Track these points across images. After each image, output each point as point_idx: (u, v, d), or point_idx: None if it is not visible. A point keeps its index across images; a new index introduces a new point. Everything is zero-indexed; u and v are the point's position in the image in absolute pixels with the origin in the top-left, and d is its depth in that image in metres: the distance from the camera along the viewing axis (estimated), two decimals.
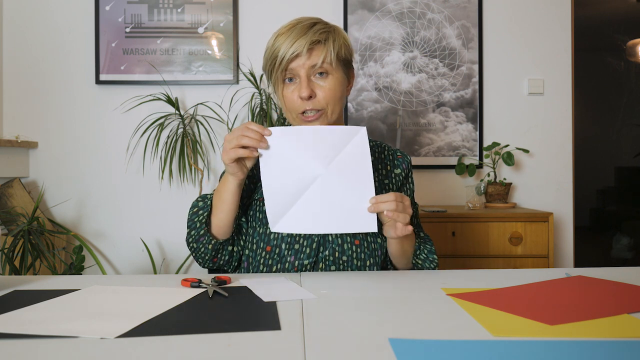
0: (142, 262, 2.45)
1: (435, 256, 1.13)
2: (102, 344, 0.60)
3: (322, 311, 0.75)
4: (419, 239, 1.16)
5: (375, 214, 0.97)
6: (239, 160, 0.98)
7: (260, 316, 0.72)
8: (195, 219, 1.08)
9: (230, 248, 1.11)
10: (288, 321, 0.69)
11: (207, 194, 1.12)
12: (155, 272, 2.34)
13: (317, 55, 1.05)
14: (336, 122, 1.14)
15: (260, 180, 1.15)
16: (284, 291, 0.86)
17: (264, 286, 0.89)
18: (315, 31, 1.06)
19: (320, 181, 0.97)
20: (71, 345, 0.60)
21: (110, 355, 0.57)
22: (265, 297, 0.81)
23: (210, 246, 1.08)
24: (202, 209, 1.08)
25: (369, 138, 1.24)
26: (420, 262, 1.12)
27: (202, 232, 1.07)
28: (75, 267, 2.06)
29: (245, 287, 0.89)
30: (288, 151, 0.97)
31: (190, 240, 1.09)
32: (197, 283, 0.90)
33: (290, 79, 1.08)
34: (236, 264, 1.15)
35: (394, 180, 1.19)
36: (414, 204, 1.21)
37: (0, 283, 0.93)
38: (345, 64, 1.12)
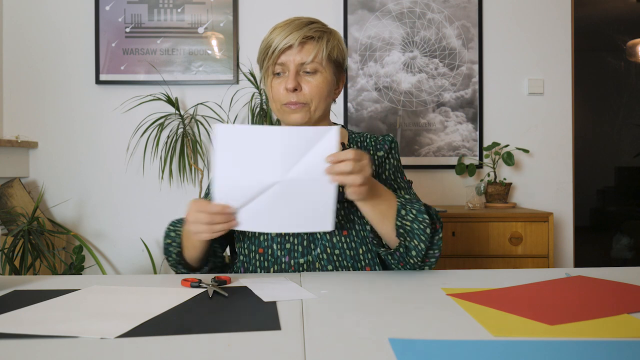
0: (142, 262, 2.45)
1: (425, 216, 1.01)
2: (102, 344, 0.60)
3: (322, 311, 0.75)
4: (404, 199, 1.05)
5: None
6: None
7: (260, 316, 0.72)
8: (170, 250, 1.09)
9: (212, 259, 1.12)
10: (288, 321, 0.69)
11: (179, 220, 1.11)
12: (155, 272, 2.34)
13: (309, 51, 1.07)
14: (319, 119, 1.15)
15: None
16: (284, 291, 0.86)
17: (264, 286, 0.89)
18: (311, 28, 1.08)
19: (280, 182, 0.92)
20: (71, 345, 0.60)
21: (110, 355, 0.57)
22: (265, 297, 0.81)
23: (187, 270, 1.11)
24: (174, 240, 1.08)
25: (353, 131, 1.23)
26: (408, 223, 1.01)
27: (177, 264, 1.09)
28: (75, 267, 2.06)
29: (245, 287, 0.89)
30: (251, 149, 0.91)
31: (170, 265, 1.12)
32: (197, 283, 0.90)
33: (279, 74, 1.10)
34: (225, 262, 1.17)
35: (376, 162, 1.17)
36: (402, 180, 1.18)
37: (0, 283, 0.93)
38: (337, 66, 1.14)
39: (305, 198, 0.93)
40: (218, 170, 0.92)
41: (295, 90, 1.08)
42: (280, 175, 0.91)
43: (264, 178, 0.91)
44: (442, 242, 1.07)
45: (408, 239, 1.01)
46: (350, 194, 0.92)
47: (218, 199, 0.92)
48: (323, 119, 1.17)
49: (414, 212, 1.01)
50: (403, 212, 1.01)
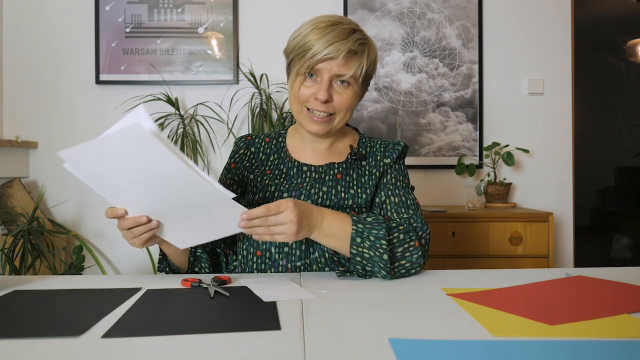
0: (142, 262, 2.45)
1: (383, 242, 0.95)
2: (101, 344, 0.60)
3: (322, 311, 0.75)
4: (362, 224, 0.98)
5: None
6: (148, 240, 0.95)
7: (260, 316, 0.72)
8: (163, 265, 1.12)
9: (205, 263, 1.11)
10: (288, 321, 0.69)
11: None
12: (155, 272, 2.34)
13: (349, 67, 1.04)
14: (340, 130, 1.15)
15: (245, 189, 1.16)
16: (284, 291, 0.86)
17: (264, 286, 0.89)
18: (355, 40, 1.04)
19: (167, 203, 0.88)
20: (71, 345, 0.60)
21: (109, 355, 0.57)
22: (265, 297, 0.81)
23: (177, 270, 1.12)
24: (160, 253, 1.11)
25: (364, 135, 1.21)
26: (365, 251, 0.96)
27: (166, 269, 1.11)
28: (76, 267, 2.06)
29: (245, 287, 0.89)
30: (102, 164, 0.84)
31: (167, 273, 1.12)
32: (197, 283, 0.90)
33: (311, 75, 1.07)
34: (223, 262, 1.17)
35: (381, 169, 1.15)
36: (403, 187, 1.13)
37: (0, 283, 0.93)
38: (367, 80, 1.13)
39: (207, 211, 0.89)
40: (98, 190, 0.89)
41: (325, 101, 1.05)
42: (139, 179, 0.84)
43: (143, 196, 0.87)
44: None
45: (369, 265, 0.96)
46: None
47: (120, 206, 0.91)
48: (341, 129, 1.16)
49: (371, 238, 0.96)
50: (358, 239, 0.96)
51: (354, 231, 0.97)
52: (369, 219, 1.00)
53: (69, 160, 0.83)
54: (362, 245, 0.96)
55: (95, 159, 0.82)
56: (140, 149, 0.77)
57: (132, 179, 0.83)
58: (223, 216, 0.89)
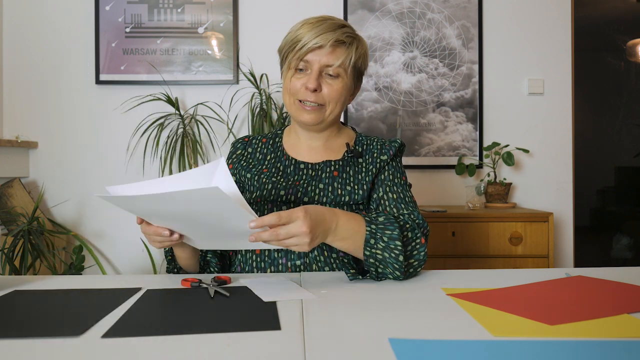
0: (142, 262, 2.45)
1: (398, 242, 0.94)
2: (101, 344, 0.60)
3: (322, 311, 0.75)
4: (375, 225, 0.97)
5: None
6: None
7: (260, 316, 0.72)
8: (167, 257, 1.12)
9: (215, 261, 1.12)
10: (288, 321, 0.69)
11: None
12: (155, 272, 2.34)
13: (337, 56, 1.08)
14: (333, 122, 1.16)
15: (243, 189, 1.17)
16: (284, 291, 0.86)
17: (264, 286, 0.89)
18: (344, 32, 1.09)
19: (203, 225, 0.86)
20: (71, 345, 0.60)
21: (109, 355, 0.57)
22: (265, 297, 0.81)
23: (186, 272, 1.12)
24: (168, 255, 1.11)
25: (361, 134, 1.23)
26: (379, 252, 0.95)
27: (175, 270, 1.12)
28: (76, 267, 2.07)
29: (245, 287, 0.89)
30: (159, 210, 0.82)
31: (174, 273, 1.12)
32: (197, 283, 0.90)
33: (301, 70, 1.10)
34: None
35: (377, 166, 1.15)
36: (401, 184, 1.14)
37: (0, 283, 0.93)
38: (358, 74, 1.15)
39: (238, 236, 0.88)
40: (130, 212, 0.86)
41: (315, 90, 1.08)
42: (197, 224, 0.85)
43: (182, 227, 0.88)
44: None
45: (381, 267, 0.95)
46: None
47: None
48: (334, 123, 1.18)
49: (385, 239, 0.95)
50: (372, 241, 0.95)
51: (367, 232, 0.96)
52: (380, 219, 0.98)
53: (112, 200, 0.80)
54: (375, 246, 0.95)
55: (150, 202, 0.79)
56: (211, 204, 0.76)
57: (178, 214, 0.82)
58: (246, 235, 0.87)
